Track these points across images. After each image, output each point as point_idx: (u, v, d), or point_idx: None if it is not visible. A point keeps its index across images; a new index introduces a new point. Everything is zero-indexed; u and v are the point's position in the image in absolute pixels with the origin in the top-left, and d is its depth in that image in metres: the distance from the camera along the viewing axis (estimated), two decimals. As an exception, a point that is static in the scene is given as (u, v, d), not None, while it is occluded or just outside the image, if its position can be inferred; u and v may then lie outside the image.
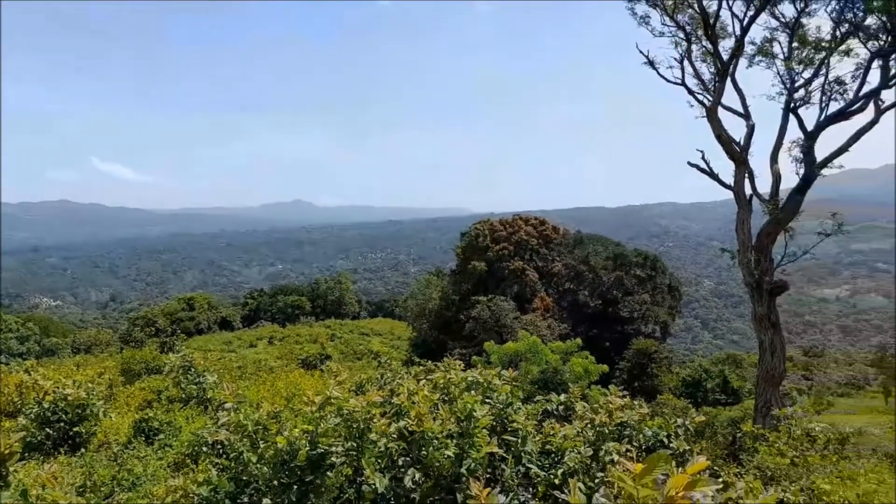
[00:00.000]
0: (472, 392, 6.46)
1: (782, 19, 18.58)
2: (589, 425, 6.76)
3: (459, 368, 7.59)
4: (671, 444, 6.93)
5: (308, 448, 4.90)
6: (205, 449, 6.95)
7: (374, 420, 5.43)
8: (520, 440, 6.10)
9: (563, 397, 8.07)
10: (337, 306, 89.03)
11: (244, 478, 5.03)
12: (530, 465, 6.00)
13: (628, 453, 6.29)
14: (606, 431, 6.46)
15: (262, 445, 5.13)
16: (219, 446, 5.60)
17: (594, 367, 25.89)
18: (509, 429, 6.24)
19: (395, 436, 5.51)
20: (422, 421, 5.41)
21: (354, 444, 5.28)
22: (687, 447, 6.93)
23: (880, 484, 6.84)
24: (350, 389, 8.58)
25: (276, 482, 4.88)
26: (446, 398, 6.54)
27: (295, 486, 4.87)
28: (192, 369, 10.55)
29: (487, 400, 6.51)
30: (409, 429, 5.47)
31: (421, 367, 11.63)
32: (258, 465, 4.99)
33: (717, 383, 47.15)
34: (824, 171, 17.59)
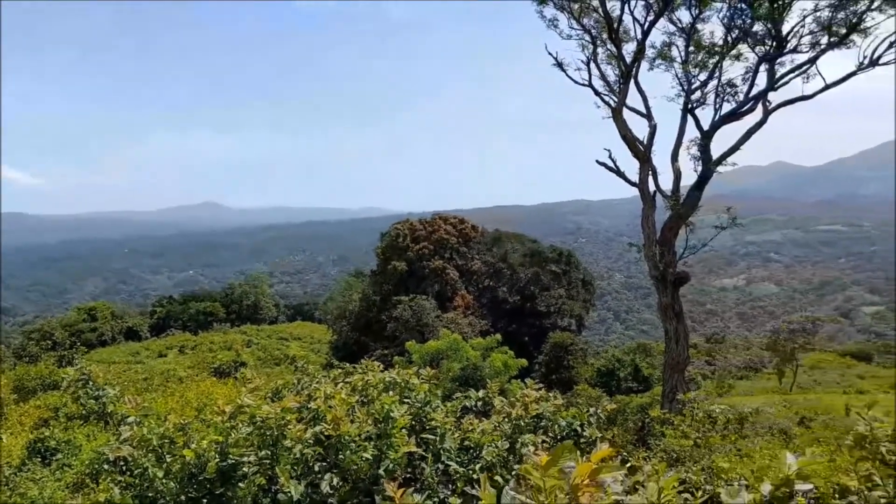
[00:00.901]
0: (391, 393, 6.44)
1: (679, 25, 19.74)
2: (506, 419, 6.89)
3: (378, 370, 7.54)
4: (584, 433, 7.17)
5: (218, 459, 4.70)
6: (106, 467, 6.52)
7: (290, 426, 5.28)
8: (438, 438, 6.12)
9: (481, 393, 8.16)
10: (253, 311, 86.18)
11: (150, 494, 4.76)
12: (449, 462, 6.03)
13: (544, 444, 6.43)
14: (523, 424, 6.59)
15: (168, 460, 4.88)
16: (121, 463, 5.28)
17: (513, 362, 26.44)
18: (427, 427, 6.26)
19: (311, 441, 5.39)
20: (338, 424, 5.32)
21: (269, 453, 5.12)
22: (599, 435, 7.18)
23: (773, 459, 7.37)
24: (266, 396, 8.33)
25: (184, 497, 4.66)
26: (365, 400, 6.48)
27: (205, 500, 4.67)
28: (91, 383, 9.83)
29: (406, 400, 6.50)
30: (326, 433, 5.36)
31: (340, 370, 11.43)
32: (164, 481, 4.74)
33: (629, 372, 49.47)
34: (719, 168, 18.86)
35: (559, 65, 19.51)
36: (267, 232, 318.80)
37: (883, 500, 3.66)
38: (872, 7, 17.41)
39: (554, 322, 57.65)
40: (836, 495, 4.35)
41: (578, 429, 7.26)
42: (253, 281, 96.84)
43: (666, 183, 19.78)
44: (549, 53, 19.74)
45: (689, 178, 19.56)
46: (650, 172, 19.19)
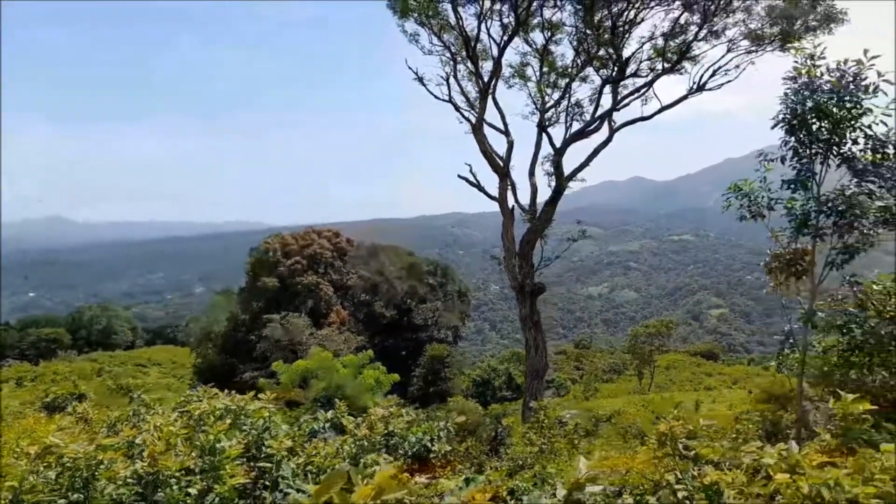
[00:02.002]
0: (226, 420, 6.10)
1: (534, 46, 20.89)
2: (352, 440, 6.78)
3: (217, 396, 7.11)
4: (433, 447, 7.21)
5: (11, 509, 4.16)
6: None
7: (111, 465, 4.83)
8: (275, 465, 5.88)
9: (329, 414, 7.97)
10: (105, 336, 79.01)
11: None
12: (289, 490, 5.82)
13: (396, 461, 6.37)
14: (366, 444, 6.50)
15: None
16: None
17: (385, 378, 26.20)
18: (263, 455, 5.99)
19: (130, 480, 4.93)
20: (155, 460, 4.91)
21: (81, 496, 4.62)
22: (448, 448, 7.25)
23: (605, 459, 7.82)
24: (101, 431, 7.62)
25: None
26: (202, 431, 6.08)
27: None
28: None
29: (244, 427, 6.19)
30: (144, 470, 4.93)
31: (184, 398, 10.66)
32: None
33: (503, 380, 51.07)
34: (571, 184, 20.12)
35: (420, 79, 19.85)
36: (122, 249, 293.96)
37: (683, 493, 3.96)
38: (699, 38, 19.53)
39: (431, 334, 58.14)
40: (644, 491, 4.66)
41: (428, 444, 7.30)
42: (105, 303, 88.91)
43: (525, 197, 20.75)
44: (410, 68, 20.01)
45: (546, 192, 20.67)
46: (509, 187, 20.00)
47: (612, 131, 20.25)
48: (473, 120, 20.07)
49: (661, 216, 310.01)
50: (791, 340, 11.34)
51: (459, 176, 19.63)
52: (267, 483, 5.75)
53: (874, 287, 10.07)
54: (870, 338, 9.93)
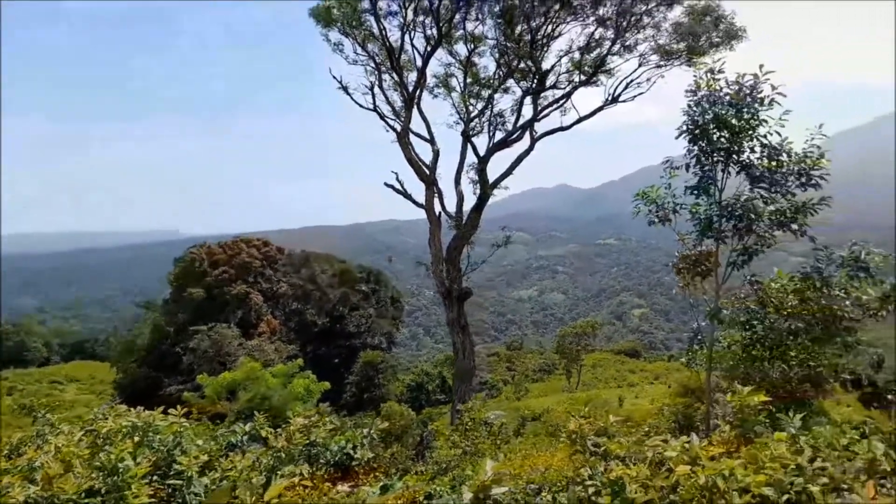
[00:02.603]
0: (134, 438, 5.87)
1: (458, 58, 21.24)
2: (271, 452, 6.64)
3: (125, 413, 6.81)
4: (356, 455, 7.16)
5: None
6: None
7: (4, 490, 4.56)
8: (185, 482, 5.69)
9: (247, 426, 7.77)
10: (17, 353, 73.84)
11: None
12: (199, 508, 5.65)
13: (318, 472, 6.31)
14: (283, 456, 6.39)
15: None
16: None
17: (316, 386, 25.75)
18: (174, 472, 5.79)
19: (27, 505, 4.66)
20: (51, 483, 4.67)
21: (-42, 529, 4.33)
22: (371, 455, 7.22)
23: (527, 458, 8.02)
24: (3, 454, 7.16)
25: None
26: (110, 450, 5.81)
27: None
28: None
29: (153, 445, 5.96)
30: (37, 494, 4.68)
31: (92, 416, 10.12)
32: None
33: (436, 384, 51.27)
34: (496, 191, 20.53)
35: (344, 88, 19.72)
36: (36, 262, 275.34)
37: (592, 489, 4.12)
38: (613, 52, 20.39)
39: (364, 341, 57.82)
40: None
41: (351, 452, 7.24)
42: (17, 318, 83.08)
43: (452, 205, 21.00)
44: (334, 77, 19.90)
45: (472, 200, 20.99)
46: (436, 194, 20.19)
47: (534, 141, 20.85)
48: (399, 129, 20.14)
49: (587, 222, 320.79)
50: (699, 337, 12.00)
51: (386, 184, 19.63)
52: (178, 501, 5.57)
53: (773, 285, 10.79)
54: (770, 333, 10.61)
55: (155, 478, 5.43)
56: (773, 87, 9.53)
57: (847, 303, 9.74)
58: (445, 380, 49.74)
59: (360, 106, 20.34)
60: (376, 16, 18.88)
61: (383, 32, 19.15)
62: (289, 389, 24.84)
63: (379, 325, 60.72)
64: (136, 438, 5.84)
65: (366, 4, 18.90)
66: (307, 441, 6.91)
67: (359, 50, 19.91)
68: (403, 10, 18.98)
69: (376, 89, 20.48)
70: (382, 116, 20.59)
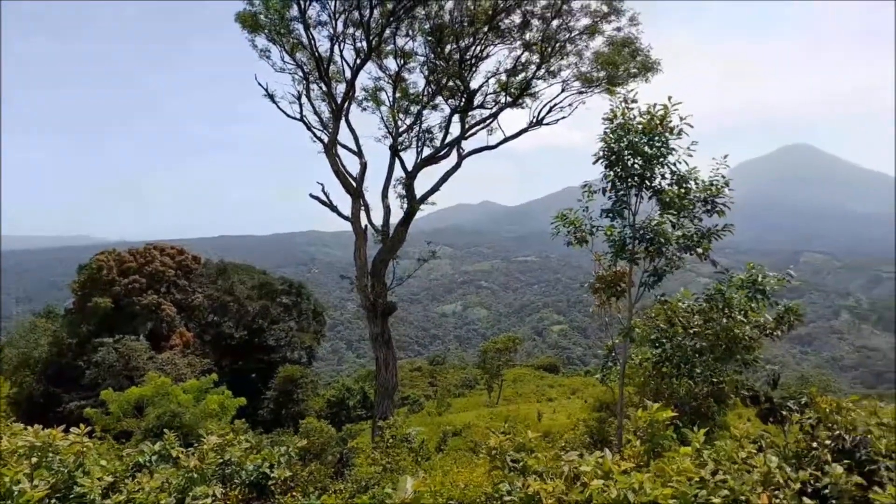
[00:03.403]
0: (31, 459, 5.50)
1: (388, 72, 21.34)
2: (181, 472, 6.38)
3: (21, 431, 6.35)
4: (273, 474, 6.98)
5: None
6: None
7: None
8: (87, 507, 5.38)
9: (157, 445, 7.42)
10: None
11: None
12: (102, 531, 5.35)
13: (232, 492, 6.12)
14: (195, 476, 6.15)
15: None
16: None
17: (231, 402, 24.86)
18: (74, 495, 5.47)
19: None
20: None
21: None
22: (289, 474, 7.06)
23: (448, 473, 8.09)
24: None
25: None
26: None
27: None
28: None
29: (52, 466, 5.60)
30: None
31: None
32: None
33: (358, 400, 50.52)
34: (423, 206, 20.69)
35: (270, 96, 19.28)
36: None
37: None
38: (538, 76, 21.13)
39: (284, 355, 56.27)
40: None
41: (267, 471, 7.05)
42: None
43: (379, 218, 20.96)
44: (260, 84, 19.47)
45: (399, 214, 21.06)
46: (362, 207, 20.08)
47: (461, 158, 21.21)
48: (326, 140, 19.94)
49: (510, 238, 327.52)
50: (613, 353, 12.53)
51: (311, 195, 19.32)
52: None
53: (680, 305, 11.45)
54: (677, 351, 11.23)
55: (54, 501, 5.13)
56: (682, 118, 10.24)
57: (747, 327, 10.47)
58: (367, 395, 49.11)
59: (287, 115, 19.98)
60: (305, 25, 18.62)
61: (312, 42, 18.91)
62: (202, 405, 23.86)
63: (300, 339, 59.25)
64: (34, 459, 5.49)
65: (294, 12, 18.61)
66: (221, 460, 6.68)
67: (286, 58, 19.58)
68: (333, 21, 18.84)
69: (304, 99, 20.24)
70: (309, 127, 20.31)
